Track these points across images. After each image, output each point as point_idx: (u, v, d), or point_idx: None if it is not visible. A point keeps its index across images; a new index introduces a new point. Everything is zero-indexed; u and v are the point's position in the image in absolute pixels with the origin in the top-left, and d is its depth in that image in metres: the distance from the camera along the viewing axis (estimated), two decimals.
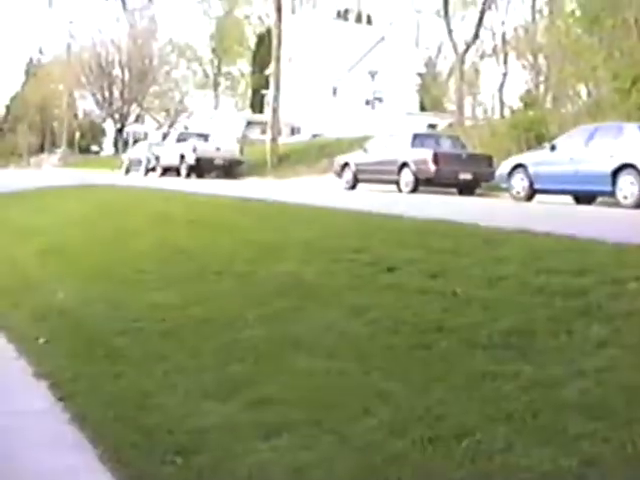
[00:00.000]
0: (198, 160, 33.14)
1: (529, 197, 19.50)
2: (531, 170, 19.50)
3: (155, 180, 30.34)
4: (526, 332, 5.51)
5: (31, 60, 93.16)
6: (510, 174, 20.08)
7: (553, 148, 19.44)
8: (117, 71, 74.08)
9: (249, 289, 7.91)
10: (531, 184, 19.49)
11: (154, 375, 5.80)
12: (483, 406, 4.47)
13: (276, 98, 37.36)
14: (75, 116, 76.99)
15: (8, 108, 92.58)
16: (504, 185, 20.67)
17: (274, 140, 36.78)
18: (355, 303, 6.80)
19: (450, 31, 38.77)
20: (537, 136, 25.00)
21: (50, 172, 51.24)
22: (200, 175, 32.89)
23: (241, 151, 35.76)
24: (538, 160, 19.70)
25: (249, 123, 51.50)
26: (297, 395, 5.01)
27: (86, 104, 78.98)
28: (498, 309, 6.09)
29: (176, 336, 6.68)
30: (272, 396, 5.02)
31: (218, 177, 32.47)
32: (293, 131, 55.08)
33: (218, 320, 6.96)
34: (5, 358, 6.70)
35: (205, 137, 37.60)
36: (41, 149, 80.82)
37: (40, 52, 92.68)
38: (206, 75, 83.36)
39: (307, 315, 6.74)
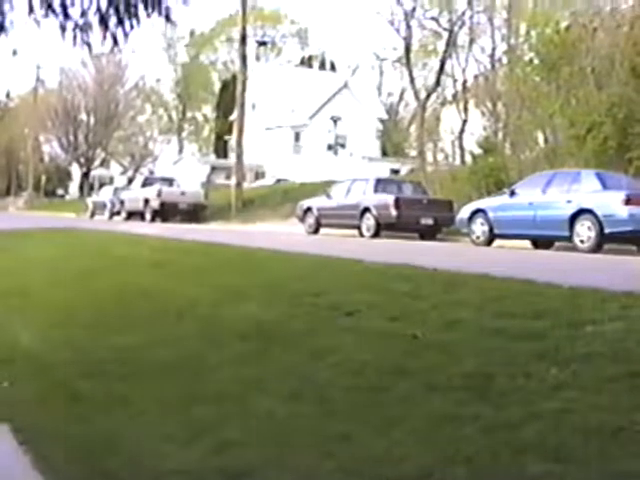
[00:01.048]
0: (162, 204, 33.15)
1: (489, 242, 19.68)
2: (491, 215, 19.69)
3: (119, 224, 30.23)
4: (485, 375, 5.55)
5: None
6: (470, 219, 20.26)
7: (512, 194, 19.66)
8: (83, 115, 74.11)
9: (212, 332, 7.90)
10: (491, 229, 19.67)
11: (117, 418, 5.75)
12: (443, 448, 4.48)
13: (240, 143, 37.48)
14: (41, 159, 76.72)
15: None
16: (464, 230, 20.84)
17: (238, 185, 36.84)
18: (316, 346, 6.81)
19: (412, 79, 39.21)
20: (496, 182, 25.26)
21: (15, 215, 50.91)
22: (164, 219, 32.87)
23: (205, 196, 35.82)
24: (497, 205, 19.91)
25: (213, 168, 51.67)
26: (260, 438, 5.00)
27: (52, 148, 78.83)
28: (457, 352, 6.13)
29: (139, 379, 6.64)
30: (235, 439, 5.00)
31: (182, 221, 32.46)
32: (257, 176, 55.26)
33: (181, 363, 6.94)
34: None
35: (170, 182, 37.63)
36: (7, 192, 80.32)
37: (7, 96, 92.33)
38: (171, 120, 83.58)
39: (269, 358, 6.74)
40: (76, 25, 9.21)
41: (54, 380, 6.93)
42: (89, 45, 9.32)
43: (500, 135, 30.91)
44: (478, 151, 32.50)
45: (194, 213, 34.08)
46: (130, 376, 6.74)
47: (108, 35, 9.27)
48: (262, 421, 5.28)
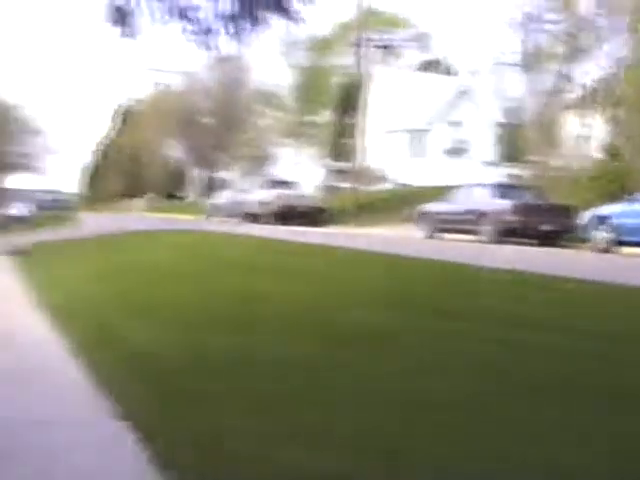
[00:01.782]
0: (281, 207, 33.40)
1: (612, 249, 19.14)
2: (615, 222, 19.15)
3: (238, 226, 30.59)
4: None
5: (123, 107, 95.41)
6: (592, 225, 19.75)
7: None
8: (205, 119, 75.38)
9: (323, 335, 7.83)
10: (614, 236, 19.13)
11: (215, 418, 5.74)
12: None
13: (359, 147, 37.52)
14: (164, 162, 78.40)
15: (99, 154, 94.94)
16: (585, 236, 20.33)
17: (357, 189, 36.86)
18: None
19: (532, 83, 38.55)
20: (621, 188, 24.58)
21: (137, 217, 52.17)
22: (283, 222, 33.08)
23: (324, 199, 35.93)
24: (622, 211, 19.35)
25: (332, 171, 51.78)
26: None
27: (175, 151, 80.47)
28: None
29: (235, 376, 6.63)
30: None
31: (301, 224, 32.60)
32: (375, 180, 55.17)
33: (290, 362, 6.90)
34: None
35: (289, 185, 37.92)
36: (131, 194, 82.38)
37: (132, 100, 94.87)
38: (290, 124, 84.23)
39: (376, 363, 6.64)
40: (202, 29, 9.33)
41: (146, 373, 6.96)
42: (215, 48, 9.43)
43: (623, 140, 30.04)
44: (600, 156, 31.67)
45: (312, 216, 34.21)
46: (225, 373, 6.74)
47: (234, 38, 9.37)
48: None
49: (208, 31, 9.42)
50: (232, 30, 9.37)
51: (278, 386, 5.61)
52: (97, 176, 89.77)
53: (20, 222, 22.96)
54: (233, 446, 4.28)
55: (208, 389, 5.68)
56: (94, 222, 38.33)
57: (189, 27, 9.42)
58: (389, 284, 10.54)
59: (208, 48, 9.51)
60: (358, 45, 38.40)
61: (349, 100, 57.68)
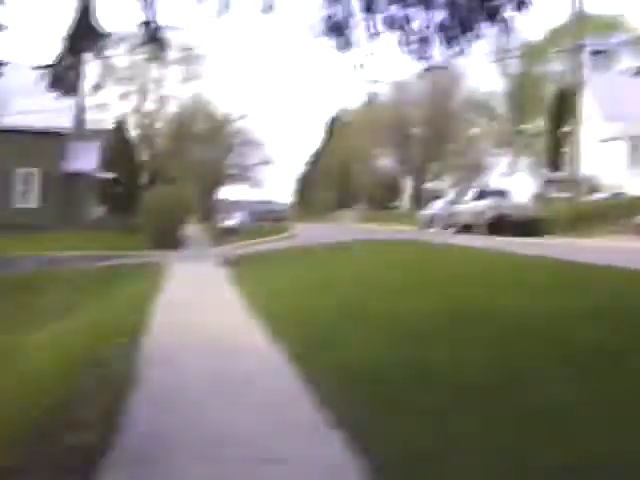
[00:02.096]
0: (496, 217, 32.89)
1: None
2: None
3: (452, 237, 30.37)
4: None
5: (334, 118, 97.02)
6: None
7: None
8: (416, 129, 75.51)
9: (559, 351, 7.58)
10: None
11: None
12: None
13: (574, 156, 36.49)
14: (375, 173, 79.05)
15: (311, 165, 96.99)
16: None
17: (573, 198, 35.83)
18: None
19: None
20: None
21: (349, 228, 52.85)
22: (498, 232, 32.55)
23: (539, 209, 35.10)
24: None
25: (547, 181, 50.56)
26: None
27: (385, 161, 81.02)
28: None
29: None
30: None
31: (516, 235, 31.95)
32: (592, 189, 53.43)
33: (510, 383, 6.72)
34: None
35: (503, 194, 37.34)
36: (342, 204, 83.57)
37: (343, 111, 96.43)
38: (503, 133, 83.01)
39: None
40: (417, 39, 9.29)
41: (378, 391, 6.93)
42: (429, 58, 9.38)
43: None
44: None
45: (528, 226, 33.47)
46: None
47: (447, 48, 9.29)
48: None
49: (423, 41, 9.37)
50: (445, 40, 9.28)
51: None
52: (309, 187, 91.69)
53: (235, 233, 23.71)
54: None
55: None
56: (308, 232, 39.10)
57: (404, 38, 9.39)
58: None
59: (422, 58, 9.45)
60: (572, 51, 37.32)
61: (563, 108, 56.16)
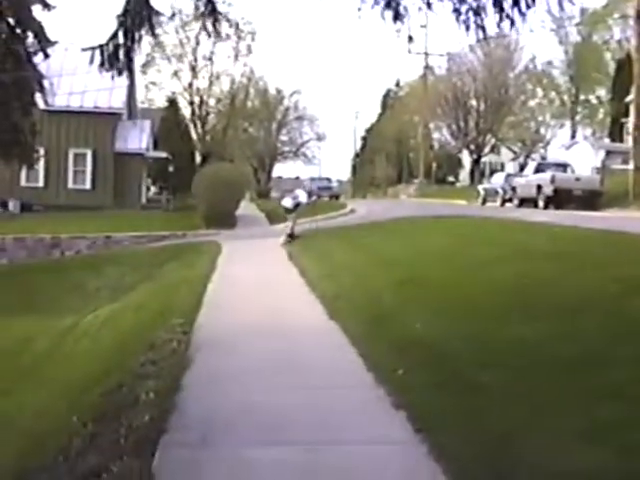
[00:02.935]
0: (556, 191, 32.52)
1: None
2: None
3: (512, 211, 30.14)
4: None
5: (388, 93, 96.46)
6: None
7: None
8: (472, 101, 74.82)
9: (617, 327, 7.51)
10: None
11: (516, 413, 5.64)
12: None
13: (638, 126, 35.79)
14: (431, 147, 78.52)
15: (365, 140, 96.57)
16: None
17: (637, 170, 35.22)
18: None
19: None
20: None
21: (407, 203, 52.71)
22: (558, 206, 32.20)
23: (601, 182, 34.61)
24: None
25: (609, 152, 49.80)
26: None
27: (442, 135, 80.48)
28: None
29: (539, 374, 6.49)
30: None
31: (577, 208, 31.61)
32: None
33: (583, 359, 6.68)
34: (365, 386, 6.82)
35: (564, 167, 36.87)
36: (398, 180, 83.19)
37: (397, 85, 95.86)
38: (563, 104, 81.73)
39: None
40: (470, 8, 9.20)
41: (450, 370, 6.95)
42: (483, 28, 9.27)
43: None
44: None
45: (589, 200, 33.04)
46: (529, 370, 6.61)
47: (504, 17, 9.16)
48: None
49: (478, 10, 9.24)
50: (503, 8, 9.16)
51: None
52: (365, 162, 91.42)
53: (291, 210, 23.75)
54: None
55: None
56: (365, 208, 39.05)
57: (460, 7, 9.28)
58: None
59: (478, 28, 9.33)
60: (635, 17, 36.56)
61: (625, 76, 55.25)
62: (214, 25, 10.61)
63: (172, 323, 9.94)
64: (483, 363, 6.93)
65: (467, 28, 9.18)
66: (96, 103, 42.34)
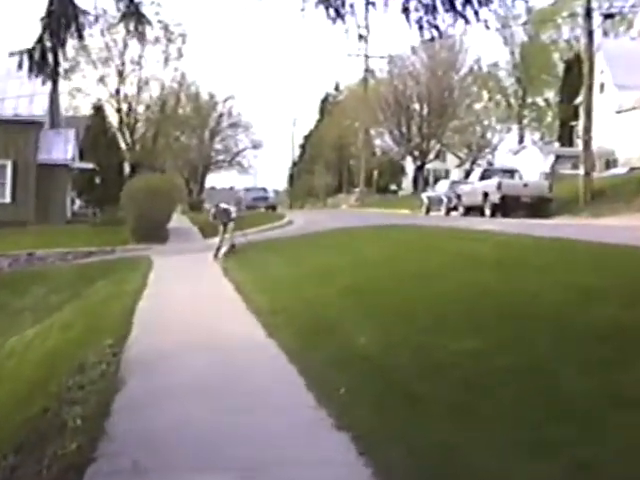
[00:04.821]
0: (503, 198, 32.90)
1: None
2: None
3: (457, 220, 30.45)
4: None
5: (327, 97, 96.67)
6: None
7: None
8: (415, 105, 75.27)
9: (562, 335, 7.67)
10: None
11: (459, 428, 5.74)
12: None
13: (588, 129, 36.37)
14: (372, 154, 78.80)
15: (303, 147, 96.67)
16: None
17: (587, 175, 35.78)
18: None
19: None
20: None
21: (347, 213, 52.92)
22: (505, 214, 32.58)
23: (550, 188, 35.09)
24: None
25: (558, 157, 50.51)
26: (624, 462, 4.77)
27: (383, 141, 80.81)
28: None
29: (481, 387, 6.60)
30: (591, 461, 4.84)
31: (525, 216, 32.03)
32: (608, 164, 53.45)
33: (526, 370, 6.82)
34: (306, 407, 6.86)
35: (511, 173, 37.34)
36: (338, 189, 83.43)
37: (336, 88, 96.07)
38: (510, 107, 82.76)
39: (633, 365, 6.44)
40: (422, 5, 9.26)
41: (392, 385, 7.03)
42: (437, 27, 9.34)
43: None
44: None
45: (538, 207, 33.46)
46: (471, 383, 6.73)
47: (452, 16, 9.26)
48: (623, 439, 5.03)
49: (431, 9, 9.32)
50: (454, 6, 9.25)
51: None
52: (303, 171, 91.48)
53: (225, 223, 23.87)
54: None
55: None
56: (303, 219, 39.13)
57: (410, 5, 9.34)
58: None
59: (431, 27, 9.41)
60: (584, 15, 37.20)
61: (575, 77, 56.20)
62: (137, 28, 10.59)
63: (101, 344, 9.91)
64: (426, 376, 7.03)
65: (420, 28, 9.25)
66: (16, 111, 41.79)
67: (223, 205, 24.84)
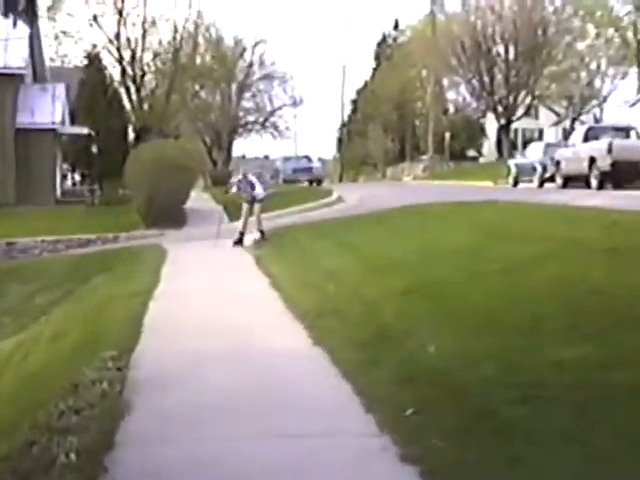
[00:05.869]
0: (615, 164, 32.52)
1: None
2: None
3: (554, 193, 30.21)
4: None
5: (384, 39, 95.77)
6: None
7: None
8: (499, 48, 74.49)
9: None
10: None
11: (566, 461, 5.69)
12: None
13: None
14: (444, 111, 78.40)
15: (355, 104, 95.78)
16: None
17: None
18: None
19: None
20: None
21: (411, 186, 52.73)
22: (618, 185, 32.23)
23: None
24: None
25: None
26: None
27: (459, 94, 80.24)
28: None
29: (597, 410, 6.55)
30: None
31: None
32: None
33: None
34: (365, 435, 6.84)
35: (626, 132, 36.88)
36: (400, 157, 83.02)
37: (395, 28, 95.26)
38: (626, 44, 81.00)
39: None
40: None
41: (473, 407, 6.99)
42: None
43: None
44: None
45: None
46: (584, 405, 6.67)
47: None
48: None
49: None
50: None
51: None
52: (356, 134, 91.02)
53: (258, 201, 23.80)
54: None
55: None
56: (357, 196, 39.02)
57: None
58: None
59: None
60: None
61: None
62: None
63: (102, 356, 9.93)
64: (519, 397, 6.98)
65: None
66: None
67: (251, 176, 24.85)
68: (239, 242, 23.52)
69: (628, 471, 5.56)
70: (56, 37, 59.04)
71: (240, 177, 25.11)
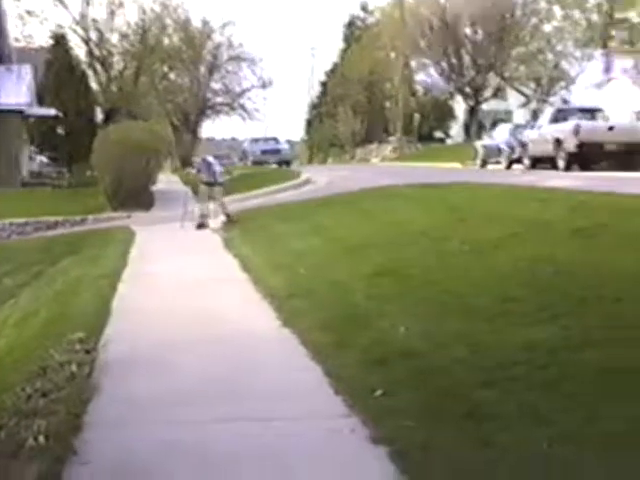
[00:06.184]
0: (581, 146, 32.59)
1: None
2: None
3: (522, 175, 30.28)
4: None
5: (352, 22, 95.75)
6: None
7: None
8: (466, 29, 74.65)
9: None
10: None
11: (535, 444, 5.70)
12: None
13: None
14: (413, 93, 78.39)
15: (324, 86, 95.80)
16: None
17: None
18: None
19: None
20: None
21: (380, 168, 52.77)
22: (584, 166, 32.33)
23: None
24: None
25: None
26: None
27: (427, 76, 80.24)
28: None
29: (566, 390, 6.57)
30: None
31: (611, 168, 31.76)
32: None
33: (622, 369, 6.77)
34: (334, 417, 6.84)
35: (592, 113, 36.99)
36: (369, 138, 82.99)
37: (364, 9, 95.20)
38: (591, 26, 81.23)
39: None
40: None
41: (442, 388, 7.00)
42: None
43: None
44: None
45: (628, 157, 33.12)
46: (551, 385, 6.69)
47: None
48: None
49: None
50: None
51: None
52: (325, 116, 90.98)
53: (218, 183, 23.86)
54: None
55: None
56: (326, 177, 38.99)
57: None
58: None
59: None
60: None
61: None
62: None
63: (70, 338, 9.90)
64: (488, 379, 7.00)
65: None
66: None
67: (209, 158, 24.93)
68: (201, 226, 23.57)
69: (597, 450, 5.57)
70: (21, 17, 58.52)
71: (199, 160, 25.18)
